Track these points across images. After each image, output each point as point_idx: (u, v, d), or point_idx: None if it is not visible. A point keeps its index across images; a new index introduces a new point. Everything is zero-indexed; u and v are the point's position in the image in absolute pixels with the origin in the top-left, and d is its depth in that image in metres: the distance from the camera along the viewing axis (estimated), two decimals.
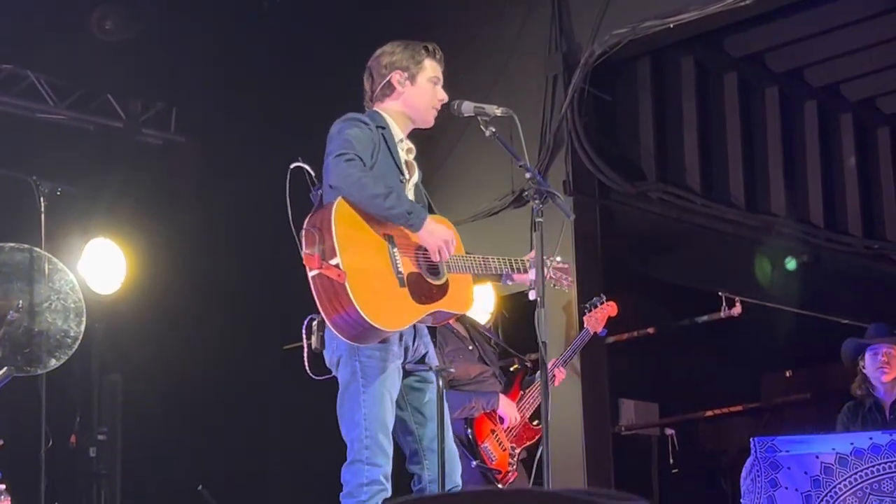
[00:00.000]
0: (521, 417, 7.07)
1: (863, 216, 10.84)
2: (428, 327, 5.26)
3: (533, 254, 5.24)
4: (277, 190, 9.62)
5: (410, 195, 5.24)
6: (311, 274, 4.91)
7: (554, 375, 7.18)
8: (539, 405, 6.98)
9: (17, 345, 7.01)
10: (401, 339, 5.10)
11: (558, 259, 5.57)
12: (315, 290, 4.91)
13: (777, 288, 10.17)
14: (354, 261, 4.87)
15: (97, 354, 9.03)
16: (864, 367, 7.57)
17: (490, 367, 7.13)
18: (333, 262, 4.85)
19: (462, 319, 7.17)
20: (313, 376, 5.10)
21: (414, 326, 5.15)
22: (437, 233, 5.01)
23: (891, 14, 9.43)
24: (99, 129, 9.77)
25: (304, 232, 4.96)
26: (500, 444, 6.96)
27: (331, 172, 4.97)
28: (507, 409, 7.00)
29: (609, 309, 7.39)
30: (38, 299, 7.11)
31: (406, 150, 5.30)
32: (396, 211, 4.92)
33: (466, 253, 5.24)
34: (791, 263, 10.25)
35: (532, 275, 5.24)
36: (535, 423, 7.12)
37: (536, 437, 7.10)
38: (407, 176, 5.25)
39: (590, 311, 7.38)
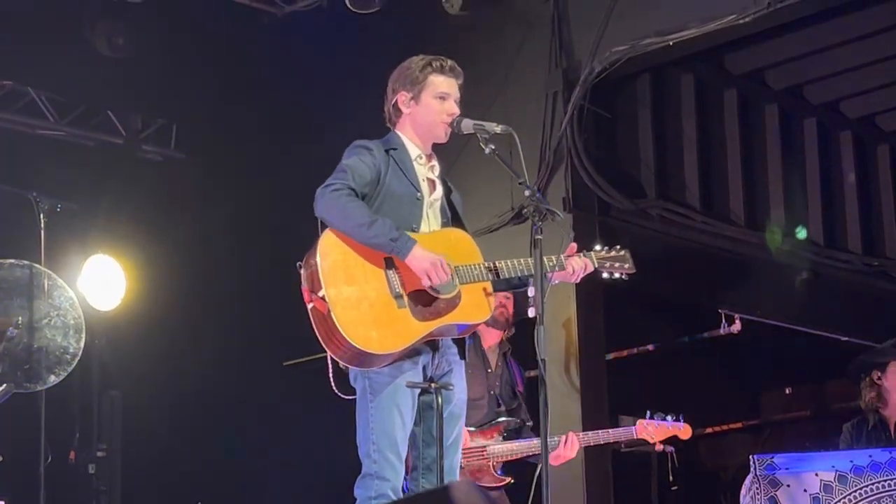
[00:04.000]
0: (483, 456, 6.80)
1: (862, 233, 10.83)
2: (457, 344, 5.31)
3: (572, 247, 5.29)
4: (276, 206, 9.65)
5: (431, 211, 5.30)
6: (308, 307, 5.05)
7: (566, 443, 6.87)
8: (514, 459, 6.84)
9: (17, 361, 7.02)
10: (415, 357, 5.13)
11: (598, 247, 5.54)
12: (313, 323, 5.05)
13: (787, 302, 10.14)
14: (342, 290, 4.99)
15: (97, 371, 9.05)
16: (879, 379, 7.51)
17: (487, 396, 7.02)
18: (320, 294, 4.97)
19: (501, 345, 7.11)
20: (340, 394, 5.17)
21: (435, 343, 5.19)
22: (422, 258, 5.01)
23: (891, 31, 9.44)
24: (99, 146, 9.80)
25: (300, 267, 5.09)
26: None
27: (316, 203, 5.07)
28: None
29: (680, 431, 7.08)
30: (37, 315, 7.11)
31: (428, 167, 5.34)
32: (380, 240, 5.00)
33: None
34: (802, 233, 10.19)
35: (569, 272, 5.31)
36: (505, 476, 6.86)
37: (490, 485, 6.74)
38: (425, 192, 5.28)
39: (652, 418, 7.05)
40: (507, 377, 7.12)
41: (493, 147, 5.21)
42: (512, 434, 6.96)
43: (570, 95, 8.69)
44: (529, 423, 7.01)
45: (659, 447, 7.57)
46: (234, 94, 9.69)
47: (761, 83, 10.34)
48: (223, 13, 9.36)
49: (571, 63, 8.83)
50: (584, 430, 8.26)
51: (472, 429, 6.86)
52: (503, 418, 6.99)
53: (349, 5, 8.75)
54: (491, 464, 6.87)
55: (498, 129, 5.25)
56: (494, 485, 6.86)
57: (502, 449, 6.89)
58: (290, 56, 9.73)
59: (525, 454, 6.84)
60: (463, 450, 6.72)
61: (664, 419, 7.04)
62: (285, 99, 9.87)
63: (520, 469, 6.95)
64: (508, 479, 6.85)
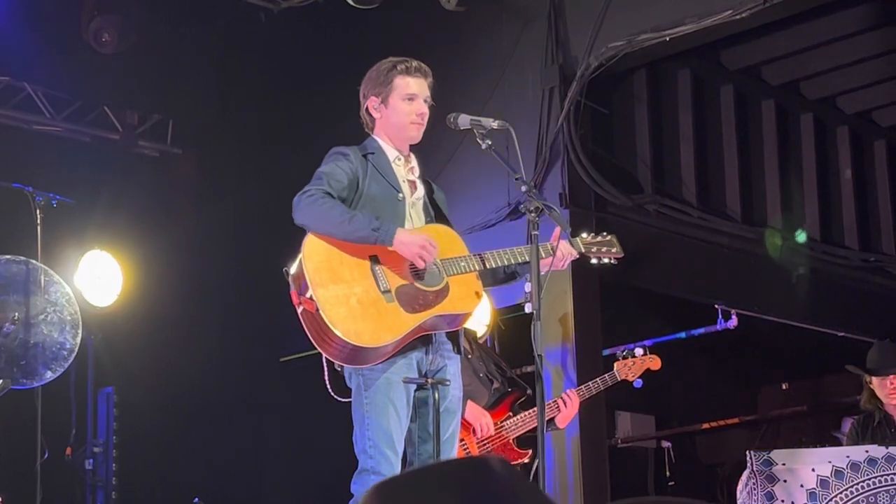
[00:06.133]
0: (501, 436, 6.96)
1: (859, 229, 10.84)
2: (451, 340, 5.31)
3: (556, 231, 5.30)
4: (273, 201, 9.63)
5: (413, 211, 5.32)
6: (298, 311, 5.09)
7: (566, 401, 7.01)
8: (528, 430, 6.95)
9: (13, 357, 7.01)
10: (409, 353, 5.14)
11: (584, 234, 5.59)
12: (304, 325, 5.09)
13: (784, 298, 10.14)
14: (329, 290, 5.03)
15: (93, 367, 9.03)
16: (870, 383, 7.55)
17: (477, 380, 7.07)
18: (308, 295, 5.01)
19: (466, 333, 7.17)
20: (337, 397, 5.19)
21: (428, 338, 5.20)
22: (410, 241, 5.05)
23: (887, 27, 9.45)
24: (95, 141, 9.78)
25: (286, 272, 5.14)
26: (466, 454, 6.85)
27: (294, 212, 5.12)
28: (476, 415, 6.89)
29: (651, 362, 7.20)
30: (34, 311, 7.11)
31: (408, 168, 5.35)
32: (363, 232, 5.03)
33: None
34: (801, 236, 10.21)
35: (559, 257, 5.32)
36: (524, 449, 7.01)
37: (517, 461, 6.97)
38: (406, 193, 5.29)
39: (625, 358, 7.19)
40: (484, 356, 7.20)
41: (489, 142, 5.21)
42: (518, 408, 7.06)
43: (567, 91, 8.68)
44: (530, 392, 7.10)
45: (655, 444, 7.62)
46: (231, 89, 9.69)
47: (758, 78, 10.34)
48: (220, 8, 9.35)
49: (568, 58, 8.83)
50: (581, 427, 8.31)
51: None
52: (508, 392, 7.09)
53: (350, 1, 8.72)
54: (511, 439, 6.99)
55: (494, 124, 5.25)
56: (517, 461, 6.98)
57: (517, 423, 6.99)
58: (287, 52, 9.73)
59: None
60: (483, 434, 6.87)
61: (634, 355, 7.19)
62: (282, 94, 9.87)
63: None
64: (529, 451, 6.91)
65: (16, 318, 7.02)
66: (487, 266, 5.26)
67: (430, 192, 5.46)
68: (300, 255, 5.07)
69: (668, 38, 8.38)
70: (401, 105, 5.31)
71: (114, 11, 9.01)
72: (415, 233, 5.11)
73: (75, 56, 9.09)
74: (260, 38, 9.63)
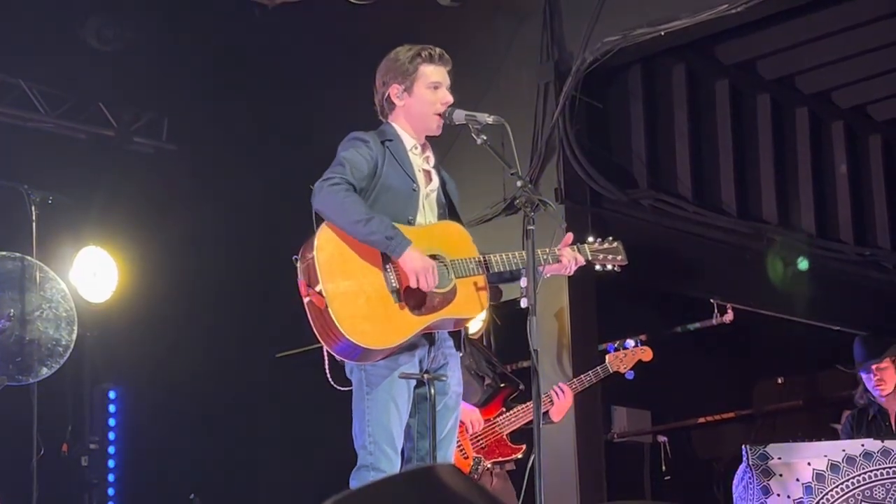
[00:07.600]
0: (495, 432, 6.98)
1: (854, 223, 10.83)
2: (452, 336, 5.32)
3: (568, 237, 5.30)
4: (268, 198, 9.63)
5: (427, 202, 5.31)
6: (305, 301, 5.04)
7: (559, 394, 6.98)
8: (522, 426, 6.96)
9: (9, 354, 7.02)
10: (412, 350, 5.14)
11: (591, 239, 5.58)
12: (309, 317, 5.06)
13: (780, 293, 10.15)
14: (339, 285, 5.01)
15: (89, 363, 9.03)
16: (862, 380, 7.59)
17: (469, 377, 7.07)
18: (317, 288, 4.98)
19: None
20: (336, 386, 5.19)
21: (431, 336, 5.21)
22: (414, 261, 5.02)
23: (882, 21, 9.44)
24: (90, 138, 9.76)
25: (296, 260, 5.09)
26: (461, 452, 6.87)
27: (315, 197, 5.07)
28: (468, 415, 6.88)
29: (643, 354, 7.17)
30: (29, 308, 7.11)
31: (424, 158, 5.35)
32: (376, 237, 5.01)
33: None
34: (803, 263, 10.22)
35: (565, 265, 5.33)
36: (517, 444, 7.02)
37: (511, 457, 7.00)
38: (421, 184, 5.28)
39: (617, 350, 7.16)
40: (476, 353, 7.19)
41: (485, 138, 5.22)
42: (511, 403, 7.08)
43: (562, 86, 8.68)
44: (522, 388, 7.11)
45: (651, 439, 7.62)
46: (226, 85, 9.67)
47: (753, 73, 10.33)
48: (215, 4, 9.34)
49: (563, 54, 8.83)
50: (577, 423, 8.32)
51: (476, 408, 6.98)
52: (500, 387, 7.08)
53: None
54: (504, 435, 7.00)
55: (490, 119, 5.25)
56: (512, 456, 7.00)
57: (510, 418, 7.01)
58: (282, 47, 9.71)
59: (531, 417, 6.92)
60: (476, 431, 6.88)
61: (625, 346, 7.17)
62: (277, 90, 9.85)
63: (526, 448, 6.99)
64: (523, 446, 6.94)
65: (11, 314, 7.02)
66: (494, 270, 5.26)
67: (443, 183, 5.45)
68: (313, 246, 5.04)
69: (662, 33, 8.38)
70: (426, 93, 5.30)
71: (110, 8, 9.01)
72: (425, 257, 5.07)
73: (70, 53, 9.08)
74: (254, 34, 9.61)
